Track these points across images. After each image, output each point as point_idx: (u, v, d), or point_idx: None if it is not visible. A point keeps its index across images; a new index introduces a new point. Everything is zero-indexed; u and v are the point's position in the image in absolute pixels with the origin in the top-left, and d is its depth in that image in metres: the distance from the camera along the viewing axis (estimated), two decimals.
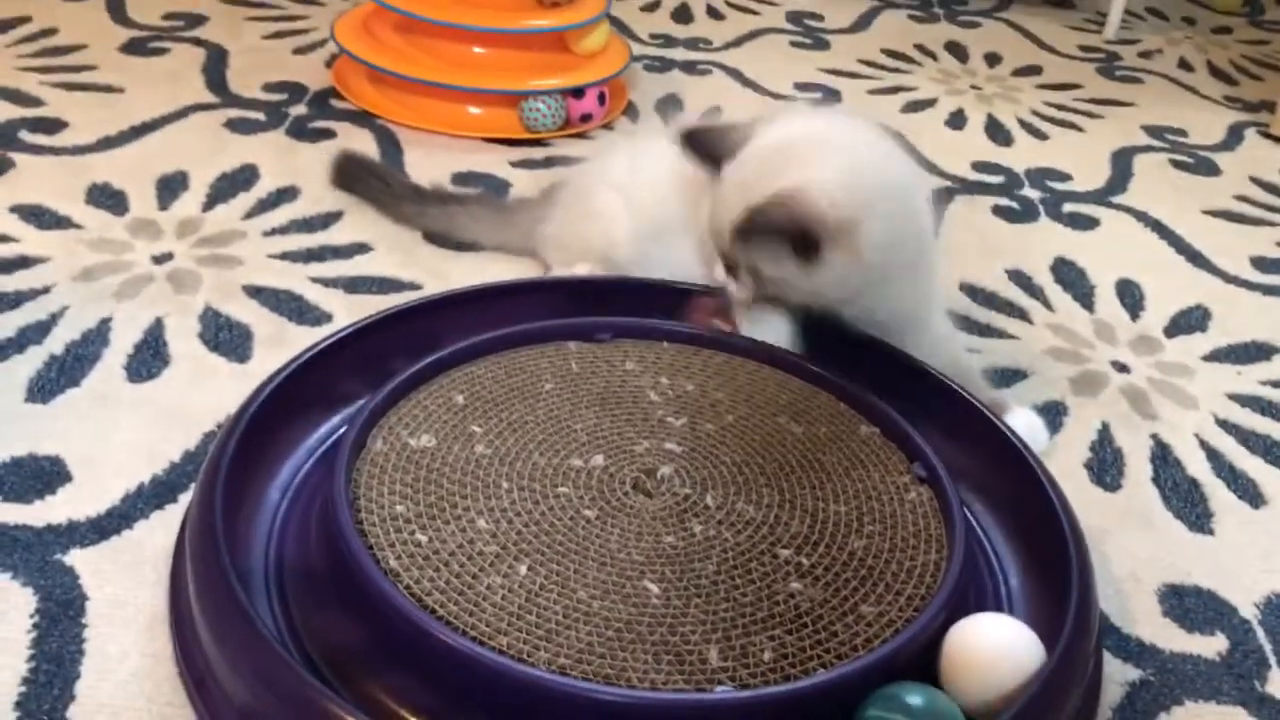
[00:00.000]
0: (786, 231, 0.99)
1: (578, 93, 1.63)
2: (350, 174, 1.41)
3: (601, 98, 1.67)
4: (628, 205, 1.23)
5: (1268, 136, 1.99)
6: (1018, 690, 0.76)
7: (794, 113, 1.10)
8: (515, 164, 1.56)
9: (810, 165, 1.01)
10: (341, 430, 0.96)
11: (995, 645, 0.79)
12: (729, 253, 1.05)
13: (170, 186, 1.40)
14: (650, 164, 1.23)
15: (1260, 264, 1.55)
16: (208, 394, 1.06)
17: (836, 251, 0.99)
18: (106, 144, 1.48)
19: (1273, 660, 0.92)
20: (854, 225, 0.99)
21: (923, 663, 0.80)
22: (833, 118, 1.13)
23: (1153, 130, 1.96)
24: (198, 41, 1.82)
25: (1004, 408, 1.10)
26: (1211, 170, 1.83)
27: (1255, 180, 1.81)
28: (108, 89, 1.63)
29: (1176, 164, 1.84)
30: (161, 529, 0.91)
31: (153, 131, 1.53)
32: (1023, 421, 1.09)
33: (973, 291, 1.39)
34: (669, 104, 1.81)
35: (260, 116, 1.61)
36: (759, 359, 1.10)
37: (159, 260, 1.25)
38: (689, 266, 1.17)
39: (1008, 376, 1.23)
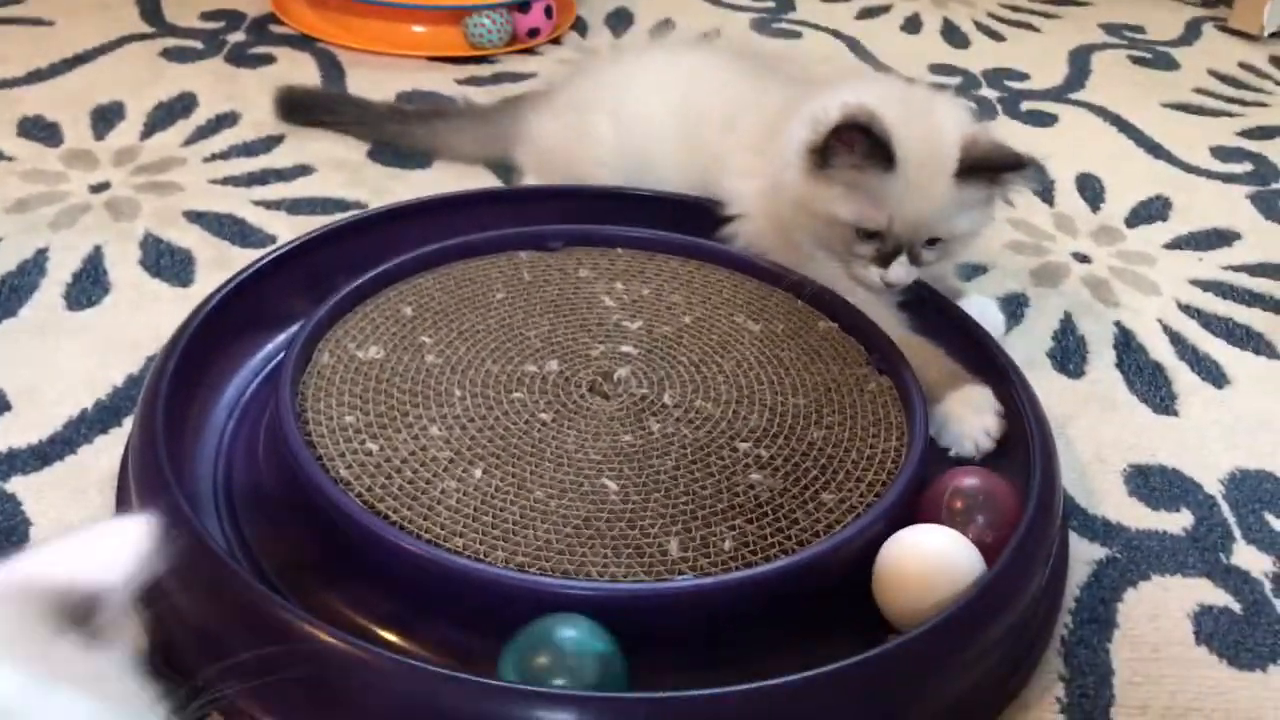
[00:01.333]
0: (1012, 153, 0.96)
1: (523, 7, 1.59)
2: (313, 107, 1.37)
3: (549, 11, 1.63)
4: (616, 132, 1.19)
5: (1225, 30, 1.97)
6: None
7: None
8: (462, 82, 1.52)
9: (950, 109, 0.99)
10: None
11: (929, 557, 0.75)
12: (923, 228, 0.97)
13: (106, 117, 1.36)
14: (643, 92, 1.19)
15: (1220, 153, 1.53)
16: (150, 319, 1.03)
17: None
18: (37, 77, 1.43)
19: (1237, 533, 0.92)
20: None
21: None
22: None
23: (1110, 28, 1.94)
24: None
25: (959, 294, 1.09)
26: (1170, 65, 1.81)
27: (1213, 73, 1.79)
28: (36, 22, 1.57)
29: (1135, 60, 1.82)
30: (105, 453, 0.89)
31: (85, 63, 1.48)
32: (977, 308, 1.07)
33: None
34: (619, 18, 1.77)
35: (198, 45, 1.56)
36: (716, 261, 1.08)
37: (96, 189, 1.22)
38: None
39: (968, 271, 1.22)
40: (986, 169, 0.95)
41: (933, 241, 0.98)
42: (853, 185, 0.94)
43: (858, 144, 0.92)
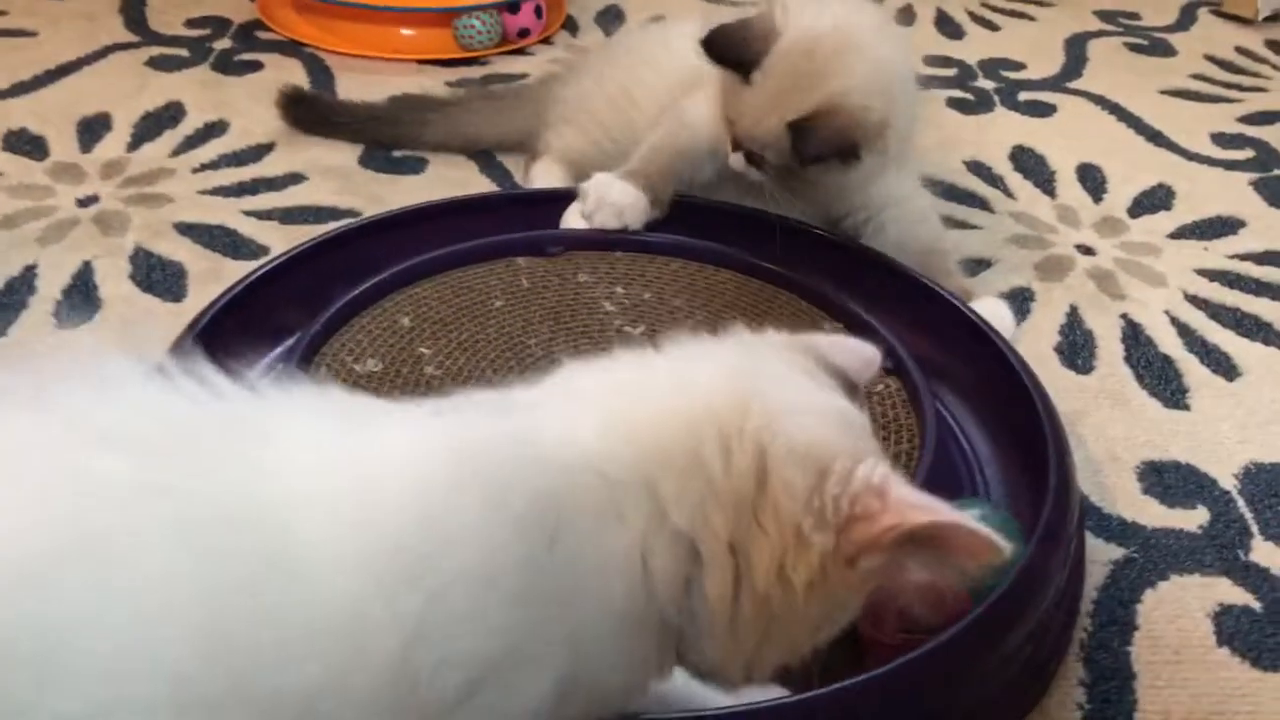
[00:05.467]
0: (836, 146, 0.97)
1: (513, 7, 1.57)
2: (322, 116, 1.35)
3: (539, 11, 1.61)
4: (660, 81, 1.18)
5: (1220, 15, 1.95)
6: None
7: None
8: (452, 84, 1.50)
9: (844, 73, 0.99)
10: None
11: None
12: (763, 150, 1.02)
13: (92, 129, 1.34)
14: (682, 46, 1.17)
15: (1220, 139, 1.52)
16: (142, 335, 1.01)
17: (870, 154, 0.99)
18: (20, 89, 1.41)
19: (1254, 528, 0.90)
20: (885, 126, 0.99)
21: None
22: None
23: (1105, 15, 1.92)
24: None
25: (969, 295, 1.07)
26: (1167, 51, 1.80)
27: (1210, 58, 1.78)
28: (19, 33, 1.55)
29: (1131, 47, 1.80)
30: None
31: (70, 74, 1.46)
32: (989, 308, 1.06)
33: (931, 184, 1.34)
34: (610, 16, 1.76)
35: (183, 53, 1.53)
36: (717, 263, 1.06)
37: (84, 203, 1.20)
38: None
39: (972, 266, 1.20)
40: (813, 139, 0.97)
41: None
42: (727, 88, 1.02)
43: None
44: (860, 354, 0.60)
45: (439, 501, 0.47)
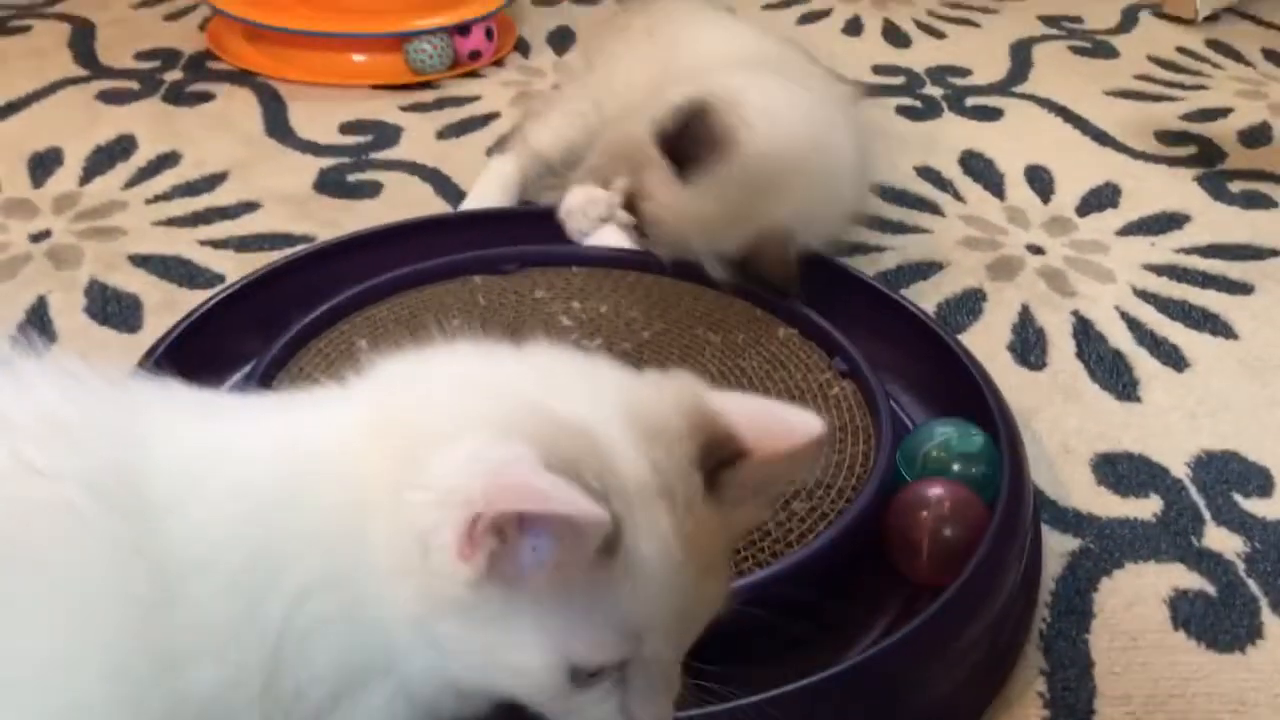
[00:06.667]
0: (770, 271, 0.98)
1: (463, 30, 1.58)
2: None
3: (489, 33, 1.62)
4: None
5: (1161, 16, 1.99)
6: None
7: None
8: (406, 109, 1.50)
9: (788, 202, 0.99)
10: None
11: None
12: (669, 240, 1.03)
13: (43, 164, 1.33)
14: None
15: (1164, 138, 1.55)
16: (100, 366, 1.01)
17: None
18: None
19: (1206, 515, 0.92)
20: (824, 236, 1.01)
21: (856, 551, 0.78)
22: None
23: (1049, 20, 1.95)
24: (62, 16, 1.73)
25: None
26: (1110, 53, 1.83)
27: (1153, 59, 1.81)
28: None
29: (1075, 50, 1.83)
30: None
31: (19, 111, 1.45)
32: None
33: (882, 190, 1.37)
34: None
35: (134, 85, 1.53)
36: (673, 275, 1.07)
37: (36, 238, 1.19)
38: None
39: (924, 269, 1.22)
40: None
41: None
42: (650, 164, 1.02)
43: None
44: (784, 423, 0.52)
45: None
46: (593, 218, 1.09)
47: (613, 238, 1.10)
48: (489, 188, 1.23)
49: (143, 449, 0.48)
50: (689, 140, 0.97)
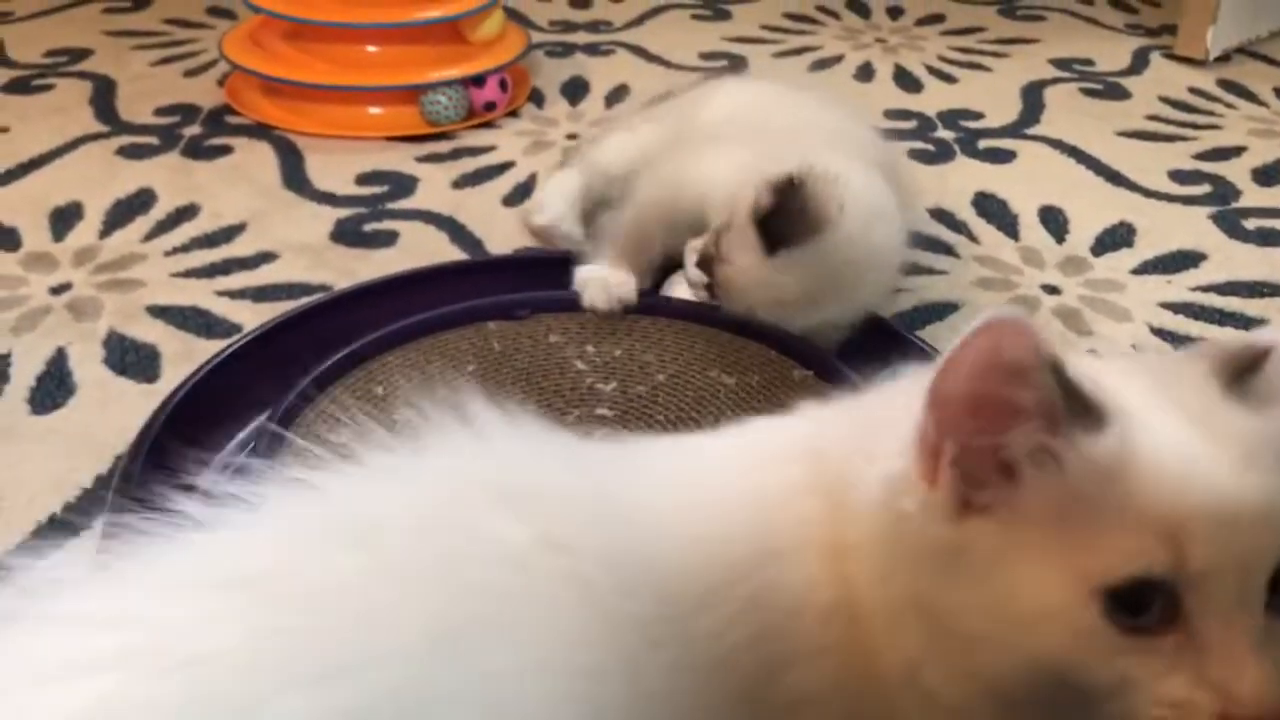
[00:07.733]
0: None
1: (478, 81, 1.60)
2: None
3: (504, 84, 1.63)
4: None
5: (1172, 57, 2.00)
6: None
7: None
8: (421, 159, 1.52)
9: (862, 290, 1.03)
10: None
11: None
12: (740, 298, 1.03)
13: (64, 218, 1.35)
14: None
15: (1178, 176, 1.55)
16: (117, 418, 1.01)
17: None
18: None
19: None
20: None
21: None
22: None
23: (1059, 63, 1.96)
24: (83, 75, 1.76)
25: None
26: (1121, 94, 1.84)
27: (1165, 99, 1.81)
28: None
29: (1086, 92, 1.84)
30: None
31: (41, 167, 1.47)
32: None
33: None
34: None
35: (153, 140, 1.55)
36: (687, 318, 1.07)
37: (57, 291, 1.20)
38: None
39: (940, 310, 1.22)
40: None
41: None
42: (740, 232, 1.01)
43: None
44: None
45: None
46: (614, 299, 1.08)
47: (682, 294, 1.10)
48: (553, 197, 1.27)
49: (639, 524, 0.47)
50: (784, 218, 0.96)
